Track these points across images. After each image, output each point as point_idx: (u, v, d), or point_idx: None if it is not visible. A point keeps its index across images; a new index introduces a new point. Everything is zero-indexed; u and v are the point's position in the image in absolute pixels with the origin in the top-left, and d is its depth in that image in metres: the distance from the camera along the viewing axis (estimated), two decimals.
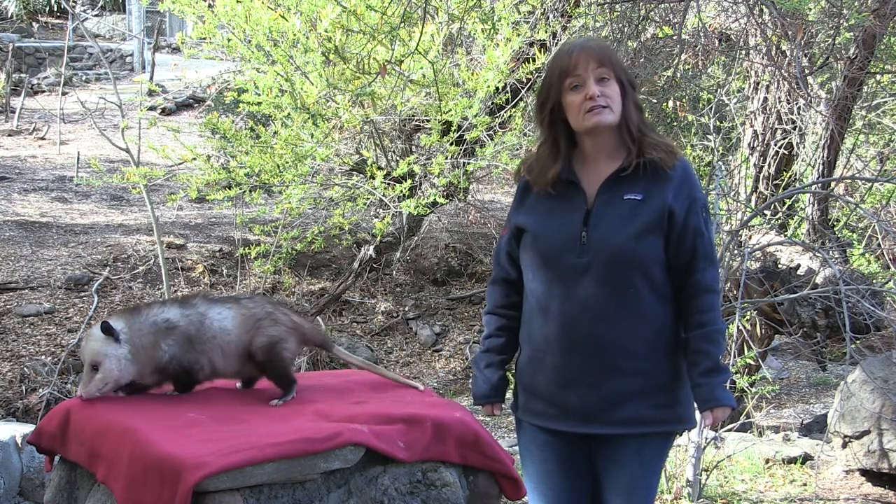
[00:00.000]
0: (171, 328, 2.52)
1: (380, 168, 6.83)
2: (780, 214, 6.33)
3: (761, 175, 6.63)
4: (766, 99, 6.60)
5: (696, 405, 2.46)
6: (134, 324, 2.51)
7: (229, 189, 6.81)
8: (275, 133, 6.58)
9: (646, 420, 2.39)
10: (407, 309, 9.45)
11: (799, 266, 6.01)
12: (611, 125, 2.37)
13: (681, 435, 5.15)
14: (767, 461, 5.47)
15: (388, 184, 6.75)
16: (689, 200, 2.39)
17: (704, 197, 2.48)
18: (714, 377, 2.36)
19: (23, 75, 15.52)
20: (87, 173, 9.49)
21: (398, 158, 7.43)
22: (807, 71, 5.94)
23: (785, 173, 6.59)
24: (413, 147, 7.77)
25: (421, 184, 7.44)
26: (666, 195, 2.36)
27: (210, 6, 6.27)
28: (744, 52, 6.50)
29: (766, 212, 6.10)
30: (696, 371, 2.38)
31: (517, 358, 2.56)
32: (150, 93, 12.92)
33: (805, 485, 5.16)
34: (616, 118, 2.37)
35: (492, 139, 7.08)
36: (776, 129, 6.54)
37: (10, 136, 13.17)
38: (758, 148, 6.66)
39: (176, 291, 8.21)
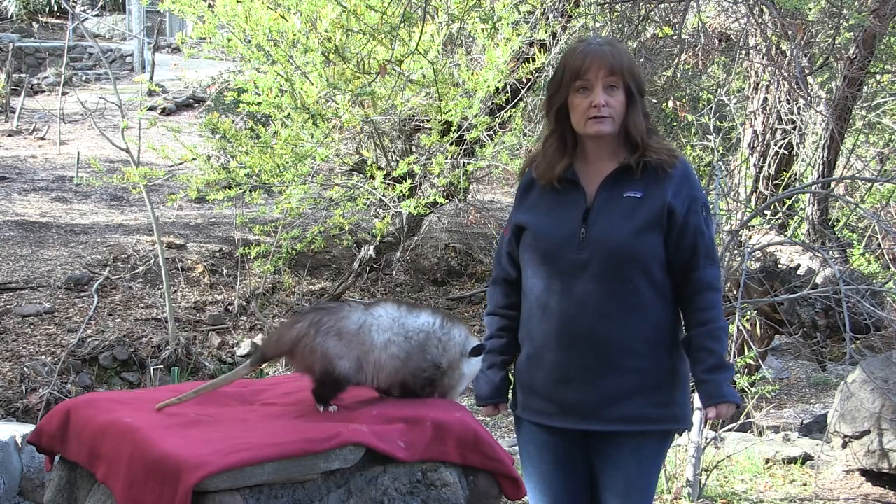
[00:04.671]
0: None
1: (380, 168, 6.83)
2: (780, 214, 6.33)
3: (761, 175, 6.63)
4: (766, 99, 6.61)
5: (696, 403, 2.46)
6: None
7: (229, 189, 6.81)
8: (275, 133, 6.58)
9: (644, 418, 2.39)
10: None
11: (799, 266, 6.02)
12: (610, 134, 2.39)
13: (680, 435, 5.17)
14: (767, 461, 5.47)
15: (388, 184, 6.75)
16: (690, 199, 2.40)
17: (705, 196, 2.49)
18: (719, 374, 2.37)
19: (23, 75, 15.51)
20: (87, 173, 9.49)
21: (398, 158, 7.43)
22: (807, 71, 5.94)
23: (785, 173, 6.60)
24: (413, 147, 7.77)
25: (421, 184, 7.44)
26: (665, 193, 2.37)
27: (210, 6, 6.28)
28: (744, 52, 6.51)
29: (766, 212, 6.10)
30: (700, 368, 2.38)
31: (517, 357, 2.56)
32: (150, 93, 12.91)
33: (805, 485, 5.16)
34: (615, 128, 2.39)
35: (492, 139, 7.08)
36: (776, 129, 6.55)
37: (10, 136, 13.16)
38: (758, 148, 6.67)
39: (176, 291, 8.21)
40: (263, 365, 2.60)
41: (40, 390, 6.55)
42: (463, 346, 2.43)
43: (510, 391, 2.60)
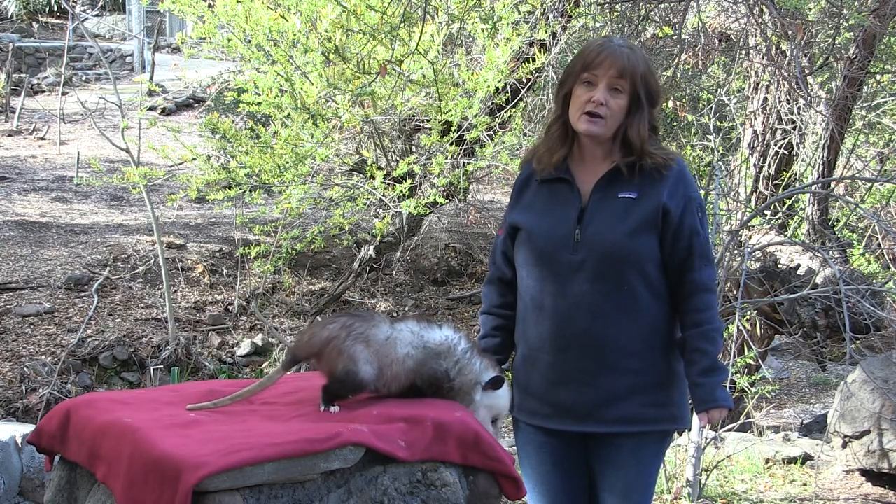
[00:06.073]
0: None
1: (380, 168, 6.83)
2: (780, 214, 6.33)
3: (761, 175, 6.63)
4: (766, 99, 6.60)
5: (692, 405, 2.46)
6: None
7: (229, 189, 6.81)
8: (275, 133, 6.58)
9: (640, 419, 2.39)
10: (407, 309, 9.45)
11: (799, 266, 6.01)
12: (599, 136, 2.38)
13: (680, 435, 5.17)
14: (767, 461, 5.47)
15: (388, 184, 6.75)
16: (685, 199, 2.39)
17: (700, 196, 2.49)
18: (713, 377, 2.36)
19: (23, 75, 15.51)
20: (87, 173, 9.49)
21: (398, 158, 7.43)
22: (807, 71, 5.94)
23: (785, 173, 6.60)
24: (413, 147, 7.77)
25: (421, 184, 7.44)
26: (661, 194, 2.37)
27: (210, 6, 6.27)
28: (744, 52, 6.51)
29: (766, 212, 6.10)
30: (694, 370, 2.38)
31: (513, 357, 2.56)
32: (150, 93, 12.90)
33: (805, 485, 5.16)
34: (607, 132, 2.38)
35: (492, 139, 7.08)
36: (776, 129, 6.55)
37: (10, 136, 13.16)
38: (758, 148, 6.66)
39: (176, 291, 8.21)
40: (294, 367, 2.59)
41: (40, 390, 6.55)
42: (479, 376, 2.41)
43: None
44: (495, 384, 2.40)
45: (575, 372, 2.38)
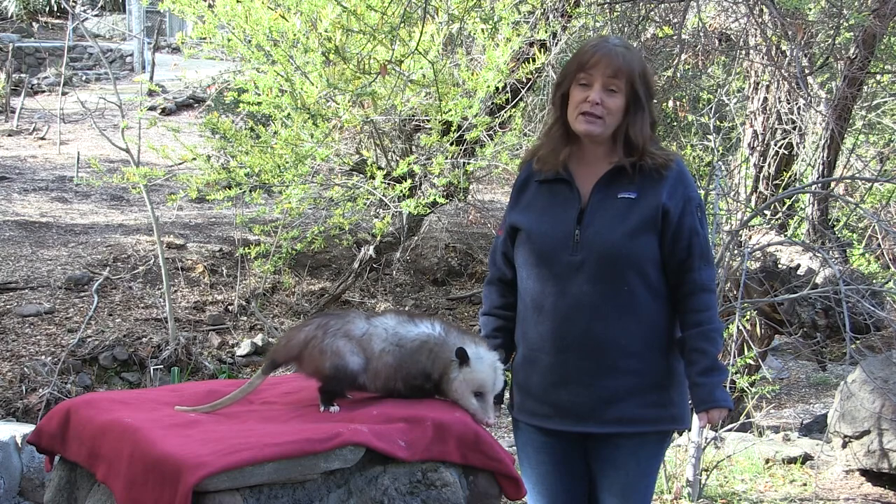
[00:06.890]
0: None
1: (380, 168, 6.83)
2: (780, 214, 6.33)
3: (761, 175, 6.63)
4: (766, 99, 6.60)
5: (691, 405, 2.46)
6: None
7: (229, 189, 6.81)
8: (275, 133, 6.58)
9: (640, 419, 2.39)
10: (407, 309, 9.45)
11: (799, 266, 6.02)
12: (599, 136, 2.38)
13: (680, 435, 5.17)
14: (767, 461, 5.47)
15: (388, 184, 6.75)
16: (684, 200, 2.39)
17: (699, 196, 2.48)
18: (712, 377, 2.36)
19: (23, 75, 15.51)
20: (87, 173, 9.49)
21: (398, 158, 7.43)
22: (807, 71, 5.94)
23: (785, 173, 6.60)
24: (413, 147, 7.77)
25: (421, 184, 7.45)
26: (660, 194, 2.37)
27: (210, 6, 6.27)
28: (744, 52, 6.51)
29: (766, 212, 6.10)
30: (694, 370, 2.38)
31: (513, 358, 2.56)
32: (150, 93, 12.90)
33: (805, 485, 5.16)
34: (606, 131, 2.38)
35: (492, 139, 7.09)
36: (776, 129, 6.55)
37: (10, 136, 13.16)
38: (758, 148, 6.66)
39: (176, 291, 8.21)
40: (275, 371, 2.59)
41: (40, 390, 6.55)
42: (452, 354, 2.36)
43: (507, 392, 2.60)
44: (460, 357, 2.34)
45: (575, 372, 2.38)
